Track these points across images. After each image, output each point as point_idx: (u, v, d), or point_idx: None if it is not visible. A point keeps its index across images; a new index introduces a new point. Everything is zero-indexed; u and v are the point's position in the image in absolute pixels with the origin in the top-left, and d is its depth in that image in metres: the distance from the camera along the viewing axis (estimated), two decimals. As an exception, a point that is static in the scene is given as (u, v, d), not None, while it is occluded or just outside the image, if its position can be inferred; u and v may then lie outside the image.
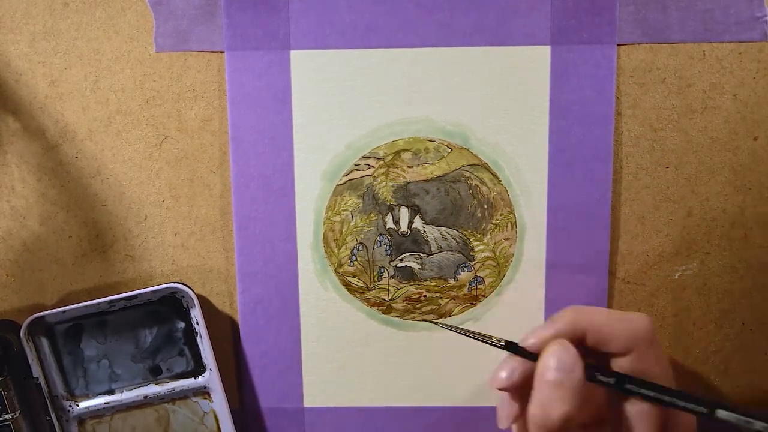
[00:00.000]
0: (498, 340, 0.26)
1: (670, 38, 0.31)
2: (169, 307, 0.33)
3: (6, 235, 0.34)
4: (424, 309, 0.34)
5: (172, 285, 0.32)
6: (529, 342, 0.25)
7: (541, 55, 0.31)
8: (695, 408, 0.24)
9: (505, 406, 0.26)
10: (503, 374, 0.25)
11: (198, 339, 0.33)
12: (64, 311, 0.32)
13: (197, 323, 0.33)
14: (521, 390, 0.25)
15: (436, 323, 0.32)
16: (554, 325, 0.25)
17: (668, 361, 0.25)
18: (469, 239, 0.33)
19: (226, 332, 0.34)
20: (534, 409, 0.23)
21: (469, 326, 0.34)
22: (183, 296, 0.33)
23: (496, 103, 0.32)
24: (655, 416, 0.24)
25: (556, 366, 0.23)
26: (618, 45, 0.31)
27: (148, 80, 0.33)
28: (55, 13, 0.32)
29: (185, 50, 0.32)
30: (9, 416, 0.32)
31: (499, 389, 0.25)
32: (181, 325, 0.34)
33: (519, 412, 0.25)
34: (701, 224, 0.33)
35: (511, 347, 0.25)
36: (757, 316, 0.33)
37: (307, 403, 0.34)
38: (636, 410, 0.24)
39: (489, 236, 0.33)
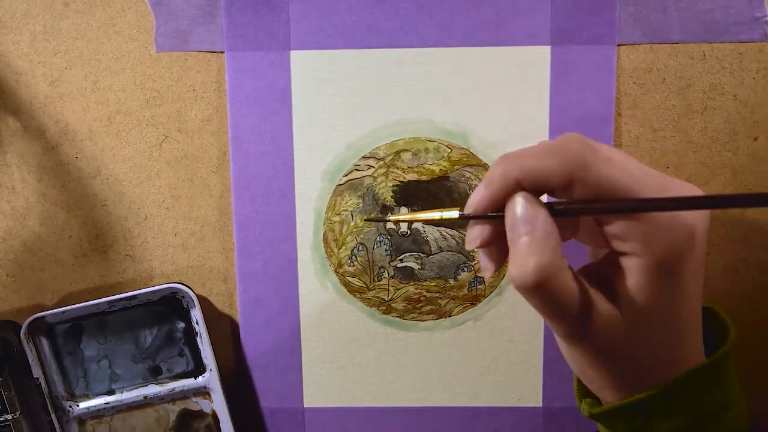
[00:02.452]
0: (449, 213, 0.24)
1: (670, 39, 0.31)
2: (169, 307, 0.33)
3: (6, 235, 0.34)
4: (424, 309, 0.34)
5: (172, 285, 0.32)
6: (472, 209, 0.23)
7: (542, 55, 0.31)
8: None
9: (483, 257, 0.24)
10: (474, 234, 0.23)
11: (198, 339, 0.33)
12: (64, 311, 0.32)
13: (197, 323, 0.33)
14: (498, 244, 0.23)
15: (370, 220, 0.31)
16: (487, 186, 0.22)
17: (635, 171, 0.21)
18: (469, 239, 0.33)
19: (226, 332, 0.34)
20: (511, 269, 0.21)
21: (469, 326, 0.34)
22: (183, 296, 0.33)
23: (496, 104, 0.32)
24: (638, 230, 0.21)
25: (519, 221, 0.21)
26: (618, 45, 0.31)
27: (148, 80, 0.33)
28: (56, 14, 0.32)
29: (185, 50, 0.32)
30: (9, 416, 0.32)
31: (476, 248, 0.24)
32: (181, 325, 0.34)
33: (498, 263, 0.24)
34: (701, 224, 0.32)
35: (467, 216, 0.23)
36: (757, 316, 0.33)
37: (307, 403, 0.34)
38: (613, 230, 0.21)
39: (489, 236, 0.33)
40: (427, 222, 0.28)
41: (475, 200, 0.22)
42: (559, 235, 0.22)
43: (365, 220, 0.31)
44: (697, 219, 0.21)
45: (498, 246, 0.23)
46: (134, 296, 0.32)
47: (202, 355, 0.33)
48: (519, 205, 0.22)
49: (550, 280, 0.21)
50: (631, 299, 0.21)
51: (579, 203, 0.21)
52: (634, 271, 0.21)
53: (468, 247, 0.24)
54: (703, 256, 0.22)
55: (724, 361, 0.23)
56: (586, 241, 0.24)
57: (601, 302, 0.22)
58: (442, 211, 0.24)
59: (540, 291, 0.21)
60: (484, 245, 0.23)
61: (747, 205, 0.19)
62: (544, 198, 0.23)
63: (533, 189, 0.22)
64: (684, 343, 0.22)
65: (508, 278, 0.33)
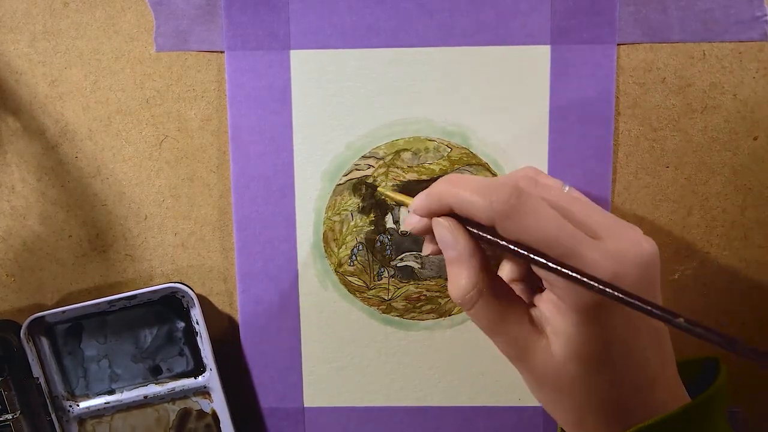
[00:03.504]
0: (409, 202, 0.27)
1: (670, 38, 0.31)
2: (169, 307, 0.34)
3: (6, 234, 0.34)
4: (424, 308, 0.34)
5: (172, 285, 0.32)
6: (413, 209, 0.25)
7: (542, 54, 0.31)
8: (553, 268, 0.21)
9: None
10: (409, 221, 0.26)
11: (198, 339, 0.33)
12: (64, 311, 0.32)
13: (197, 323, 0.33)
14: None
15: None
16: (427, 197, 0.24)
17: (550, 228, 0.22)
18: (469, 239, 0.33)
19: (226, 332, 0.34)
20: (449, 289, 0.24)
21: (469, 326, 0.34)
22: (183, 296, 0.33)
23: (496, 103, 0.32)
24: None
25: (446, 245, 0.24)
26: (618, 45, 0.31)
27: (148, 80, 0.33)
28: (55, 13, 0.32)
29: (185, 50, 0.32)
30: (9, 416, 0.32)
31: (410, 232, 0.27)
32: (181, 325, 0.34)
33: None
34: (701, 224, 0.33)
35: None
36: (756, 316, 0.33)
37: (307, 402, 0.34)
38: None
39: (489, 236, 0.33)
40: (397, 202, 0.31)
41: (416, 204, 0.25)
42: (485, 256, 0.23)
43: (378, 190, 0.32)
44: (616, 272, 0.21)
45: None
46: (134, 296, 0.32)
47: (202, 355, 0.33)
48: (440, 229, 0.24)
49: (481, 296, 0.23)
50: (561, 339, 0.22)
51: (500, 241, 0.23)
52: (561, 313, 0.22)
53: (404, 227, 0.27)
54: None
55: (699, 412, 0.22)
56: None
57: (536, 334, 0.23)
58: (407, 198, 0.28)
59: (474, 306, 0.23)
60: (418, 233, 0.26)
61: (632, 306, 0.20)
62: None
63: (465, 217, 0.23)
64: (641, 392, 0.22)
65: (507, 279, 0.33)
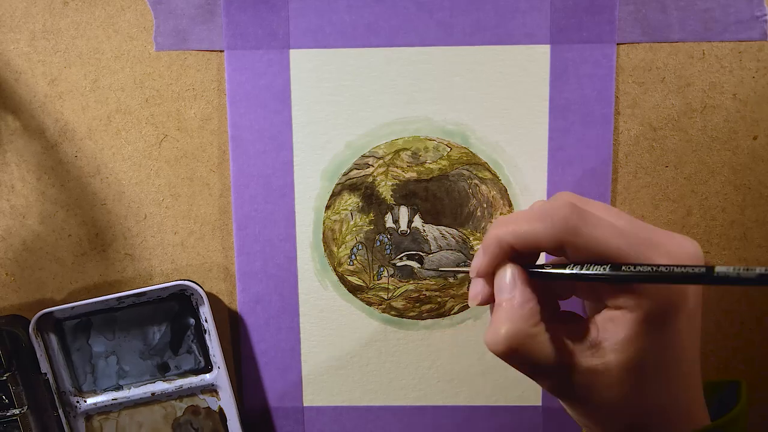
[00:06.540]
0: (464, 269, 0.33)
1: (669, 37, 0.33)
2: (178, 304, 0.35)
3: (6, 233, 0.36)
4: (423, 308, 0.36)
5: (182, 282, 0.34)
6: (475, 273, 0.27)
7: (541, 54, 0.33)
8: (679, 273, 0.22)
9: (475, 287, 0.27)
10: (474, 292, 0.27)
11: (206, 336, 0.35)
12: (72, 307, 0.34)
13: (206, 321, 0.34)
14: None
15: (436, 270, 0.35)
16: (485, 252, 0.25)
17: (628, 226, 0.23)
18: (468, 238, 0.35)
19: (225, 331, 0.36)
20: (485, 335, 0.24)
21: (468, 325, 0.36)
22: (192, 294, 0.35)
23: (495, 103, 0.34)
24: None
25: (502, 289, 0.25)
26: (618, 44, 0.33)
27: (147, 79, 0.35)
28: (55, 12, 0.34)
29: (185, 49, 0.34)
30: (17, 411, 0.34)
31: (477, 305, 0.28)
32: (190, 322, 0.35)
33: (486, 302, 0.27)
34: (701, 223, 0.35)
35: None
36: (756, 316, 0.35)
37: (307, 401, 0.36)
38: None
39: (488, 235, 0.35)
40: (446, 272, 0.35)
41: (476, 265, 0.26)
42: (537, 302, 0.24)
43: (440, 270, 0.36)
44: None
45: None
46: (143, 293, 0.34)
47: (211, 353, 0.35)
48: (502, 274, 0.25)
49: (520, 347, 0.24)
50: (621, 353, 0.23)
51: (569, 272, 0.24)
52: (625, 325, 0.23)
53: (470, 304, 0.27)
54: (698, 309, 0.24)
55: (732, 427, 0.24)
56: (584, 296, 0.26)
57: (585, 359, 0.24)
58: (459, 268, 0.34)
59: (511, 356, 0.24)
60: (484, 303, 0.27)
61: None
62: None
63: (527, 251, 0.25)
64: (684, 397, 0.24)
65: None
